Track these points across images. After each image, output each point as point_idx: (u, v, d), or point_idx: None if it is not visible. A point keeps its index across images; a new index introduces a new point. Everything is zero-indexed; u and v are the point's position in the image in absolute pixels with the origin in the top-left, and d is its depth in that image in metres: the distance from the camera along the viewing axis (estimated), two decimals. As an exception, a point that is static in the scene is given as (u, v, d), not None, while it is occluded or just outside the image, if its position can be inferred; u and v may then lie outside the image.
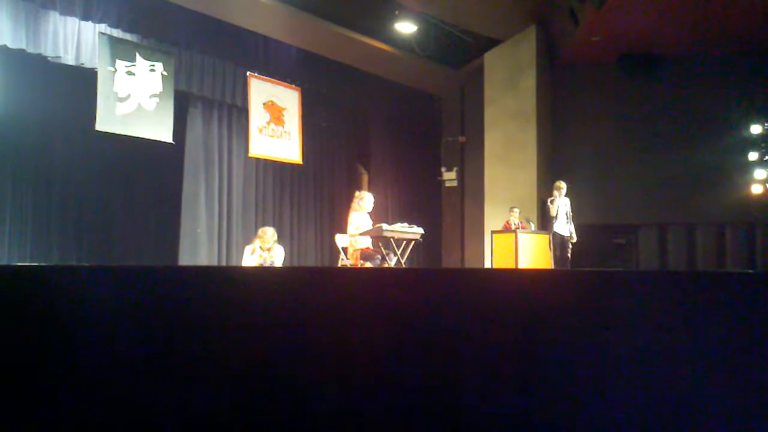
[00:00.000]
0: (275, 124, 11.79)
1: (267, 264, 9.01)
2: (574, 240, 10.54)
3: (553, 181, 10.97)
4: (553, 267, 10.31)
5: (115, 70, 9.45)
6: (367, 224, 8.78)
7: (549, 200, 10.60)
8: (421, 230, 8.91)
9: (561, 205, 10.53)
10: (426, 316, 2.42)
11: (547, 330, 2.37)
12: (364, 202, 9.00)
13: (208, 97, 11.17)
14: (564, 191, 10.58)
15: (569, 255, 10.50)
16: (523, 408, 2.35)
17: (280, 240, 9.73)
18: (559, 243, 10.50)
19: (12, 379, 2.35)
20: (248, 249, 9.21)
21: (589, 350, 2.34)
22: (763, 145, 13.03)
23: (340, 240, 9.21)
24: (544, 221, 12.53)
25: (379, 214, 9.13)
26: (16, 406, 2.35)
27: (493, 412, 2.35)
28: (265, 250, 9.08)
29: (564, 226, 10.50)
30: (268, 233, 9.20)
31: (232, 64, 11.43)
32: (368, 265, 8.52)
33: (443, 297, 2.45)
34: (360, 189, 11.78)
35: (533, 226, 11.76)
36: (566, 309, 2.39)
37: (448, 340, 2.39)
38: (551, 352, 2.35)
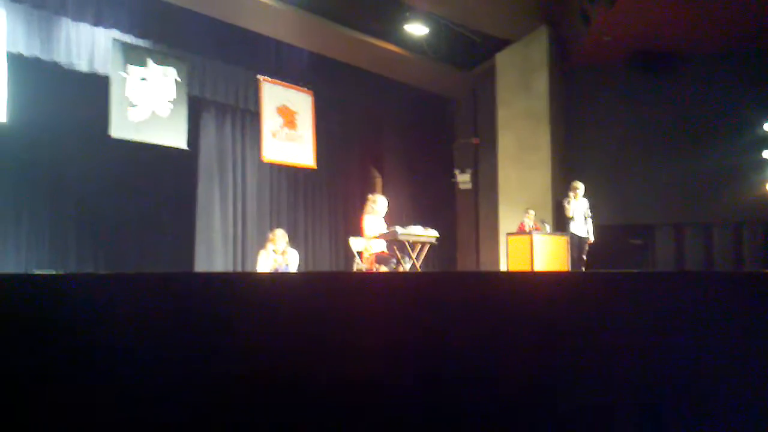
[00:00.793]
0: (288, 128, 11.79)
1: (282, 268, 9.02)
2: (591, 240, 10.49)
3: (568, 182, 10.93)
4: (570, 268, 10.26)
5: (128, 75, 9.48)
6: (381, 228, 8.75)
7: (565, 201, 10.55)
8: (435, 233, 8.89)
9: (578, 205, 10.47)
10: (442, 319, 2.41)
11: (564, 332, 2.35)
12: (377, 205, 8.97)
13: (221, 101, 11.21)
14: (581, 192, 10.52)
15: (585, 256, 10.45)
16: (537, 409, 2.33)
17: (295, 244, 9.75)
18: (576, 244, 10.45)
19: (25, 388, 2.35)
20: (262, 254, 9.22)
21: (605, 352, 2.32)
22: (776, 143, 12.97)
23: (355, 243, 9.20)
24: (560, 223, 12.49)
25: (392, 217, 9.12)
26: (27, 415, 2.35)
27: (507, 414, 2.33)
28: (278, 254, 9.09)
29: (581, 227, 10.44)
30: (278, 234, 9.22)
31: (245, 68, 11.46)
32: (383, 268, 8.51)
33: (459, 300, 2.44)
34: (374, 192, 11.76)
35: (548, 228, 11.72)
36: (583, 311, 2.37)
37: (463, 343, 2.38)
38: (568, 354, 2.34)
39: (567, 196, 10.59)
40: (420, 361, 2.38)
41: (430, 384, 2.36)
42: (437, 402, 2.35)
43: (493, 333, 2.37)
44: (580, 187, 10.55)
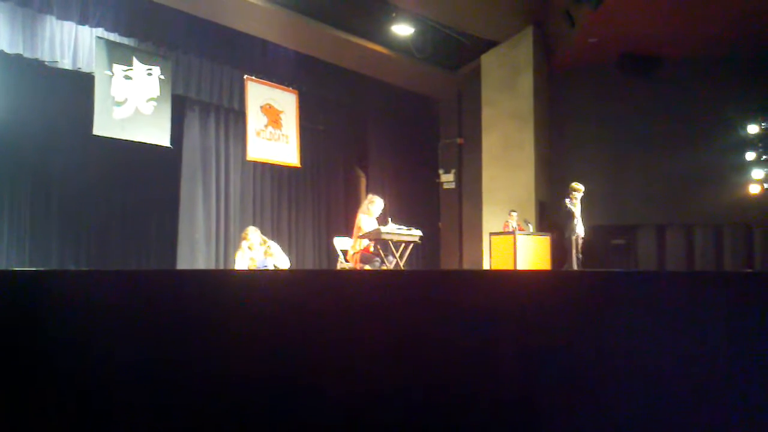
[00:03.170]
0: (273, 128, 11.77)
1: (261, 266, 9.02)
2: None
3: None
4: (576, 269, 10.21)
5: (113, 74, 9.44)
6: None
7: (567, 201, 10.48)
8: (419, 233, 8.90)
9: (577, 206, 10.48)
10: (424, 317, 2.42)
11: (546, 330, 2.37)
12: (374, 206, 8.99)
13: (205, 100, 11.18)
14: (582, 193, 10.51)
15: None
16: (523, 407, 2.35)
17: (279, 243, 9.71)
18: (578, 244, 10.43)
19: (10, 384, 2.35)
20: (239, 254, 9.23)
21: (588, 351, 2.34)
22: (760, 144, 13.06)
23: (339, 243, 9.21)
24: (542, 223, 12.54)
25: (378, 218, 9.14)
26: (15, 411, 2.35)
27: (493, 412, 2.35)
28: (253, 250, 9.09)
29: (581, 228, 10.45)
30: (250, 231, 9.23)
31: (230, 67, 11.43)
32: (367, 267, 8.52)
33: (441, 298, 2.45)
34: (358, 191, 11.76)
35: (531, 228, 11.77)
36: (564, 310, 2.39)
37: (447, 341, 2.39)
38: (550, 352, 2.36)
39: (570, 197, 10.51)
40: (403, 358, 2.39)
41: (416, 381, 2.37)
42: (422, 398, 2.36)
43: (475, 330, 2.38)
44: (582, 188, 10.51)
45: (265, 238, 9.33)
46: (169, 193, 11.13)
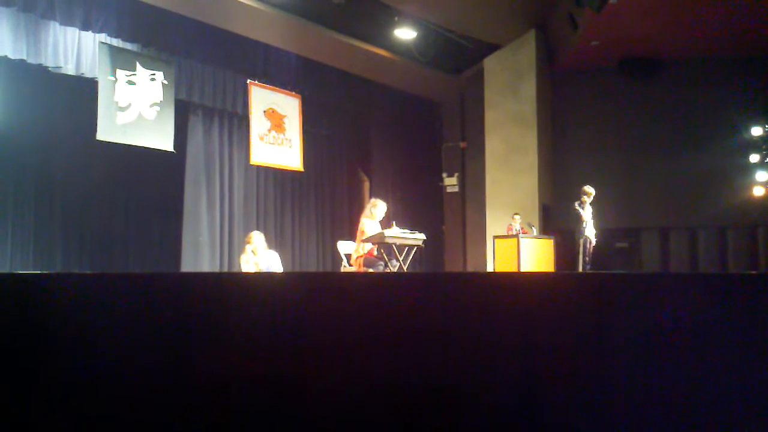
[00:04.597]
0: (276, 132, 11.79)
1: (261, 270, 9.03)
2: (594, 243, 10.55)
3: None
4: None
5: (116, 79, 9.46)
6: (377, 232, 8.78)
7: (576, 204, 10.50)
8: (423, 236, 8.90)
9: (587, 209, 10.50)
10: (428, 319, 2.42)
11: (548, 332, 2.37)
12: (377, 209, 8.99)
13: (208, 105, 11.18)
14: (592, 197, 10.54)
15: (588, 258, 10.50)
16: (524, 409, 2.34)
17: (282, 247, 9.73)
18: (587, 248, 10.44)
19: (13, 387, 2.35)
20: (243, 258, 9.24)
21: (590, 352, 2.34)
22: (764, 147, 13.03)
23: (343, 247, 9.21)
24: (546, 226, 12.53)
25: (381, 221, 9.15)
26: (18, 414, 2.35)
27: (495, 414, 2.35)
28: (257, 255, 9.10)
29: (591, 231, 10.47)
30: (254, 235, 9.23)
31: (233, 72, 11.44)
32: (371, 271, 8.52)
33: (445, 300, 2.45)
34: (361, 195, 11.77)
35: (535, 231, 11.77)
36: (567, 311, 2.39)
37: (449, 342, 2.39)
38: (552, 353, 2.35)
39: (580, 200, 10.53)
40: (406, 360, 2.39)
41: (417, 381, 2.37)
42: (424, 399, 2.36)
43: (478, 332, 2.38)
44: (593, 192, 10.54)
45: (264, 251, 9.30)
46: (172, 197, 11.14)
